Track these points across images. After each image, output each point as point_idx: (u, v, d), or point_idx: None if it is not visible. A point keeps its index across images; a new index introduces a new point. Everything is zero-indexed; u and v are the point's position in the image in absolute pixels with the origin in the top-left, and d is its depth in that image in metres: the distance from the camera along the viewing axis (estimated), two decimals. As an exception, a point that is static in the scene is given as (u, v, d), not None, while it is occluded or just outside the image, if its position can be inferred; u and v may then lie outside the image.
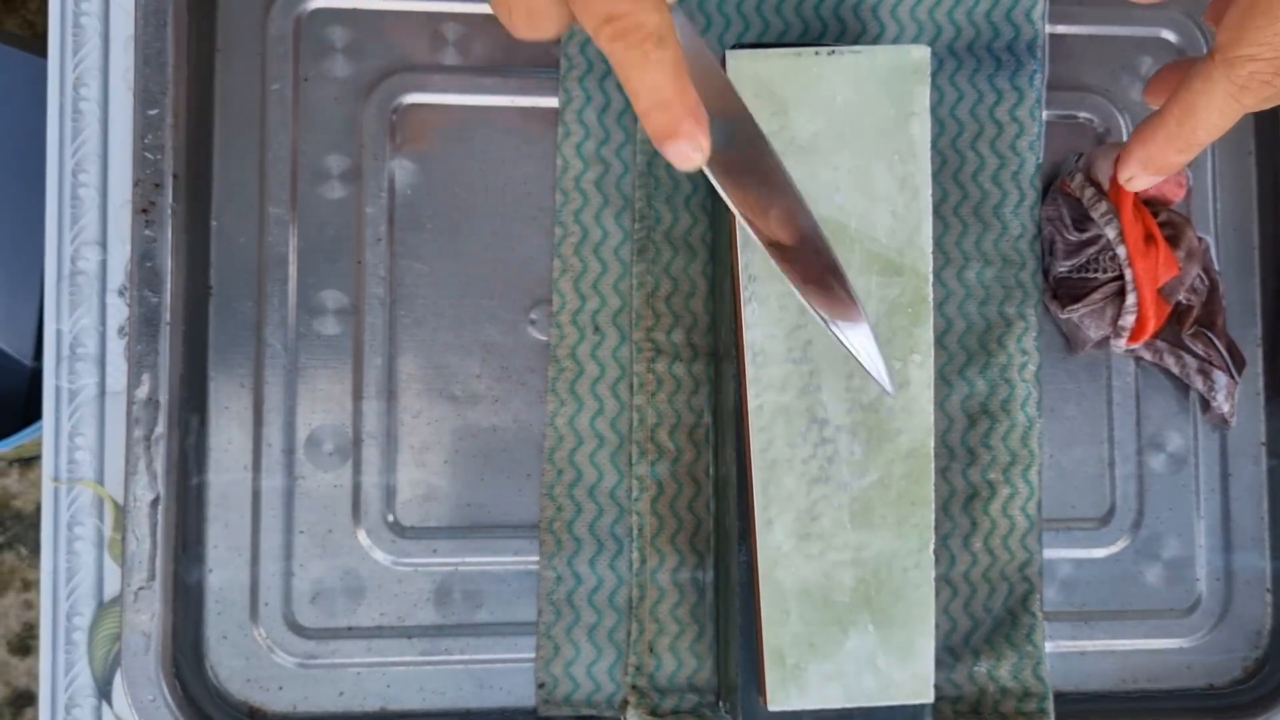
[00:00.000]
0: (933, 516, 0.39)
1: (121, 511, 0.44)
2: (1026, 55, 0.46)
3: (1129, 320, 0.45)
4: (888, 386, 0.36)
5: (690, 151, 0.34)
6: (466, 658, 0.45)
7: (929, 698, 0.39)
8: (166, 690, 0.43)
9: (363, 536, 0.45)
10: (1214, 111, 0.34)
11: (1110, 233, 0.44)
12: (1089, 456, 0.47)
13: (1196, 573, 0.48)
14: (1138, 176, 0.37)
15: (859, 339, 0.36)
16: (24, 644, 1.00)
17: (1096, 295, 0.45)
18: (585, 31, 0.33)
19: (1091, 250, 0.45)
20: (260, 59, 0.45)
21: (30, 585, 1.01)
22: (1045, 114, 0.47)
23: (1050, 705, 0.45)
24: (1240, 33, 0.33)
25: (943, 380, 0.46)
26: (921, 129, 0.39)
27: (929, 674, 0.39)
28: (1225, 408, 0.47)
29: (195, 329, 0.44)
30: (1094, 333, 0.46)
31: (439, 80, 0.46)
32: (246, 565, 0.44)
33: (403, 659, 0.45)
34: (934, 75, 0.46)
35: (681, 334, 0.45)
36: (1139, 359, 0.48)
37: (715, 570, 0.45)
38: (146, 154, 0.43)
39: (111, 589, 0.44)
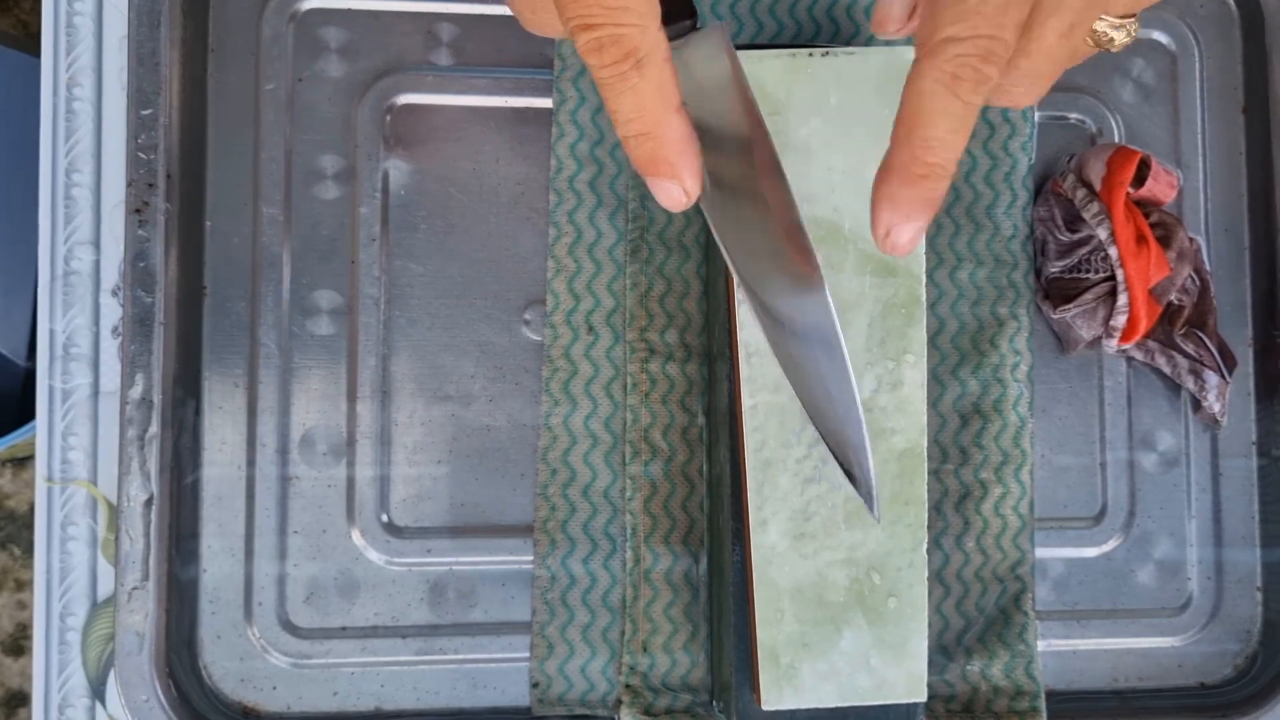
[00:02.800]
0: (926, 516, 0.39)
1: (115, 511, 0.44)
2: (1019, 56, 0.46)
3: (1121, 320, 0.45)
4: (874, 514, 0.36)
5: (674, 192, 0.31)
6: (461, 657, 0.45)
7: (923, 697, 0.39)
8: (160, 690, 0.43)
9: (357, 536, 0.45)
10: (936, 115, 0.29)
11: (1102, 233, 0.44)
12: (1081, 456, 0.48)
13: (1188, 572, 0.48)
14: (894, 227, 0.30)
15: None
16: (17, 644, 1.00)
17: (1088, 295, 0.45)
18: None
19: (1083, 251, 0.45)
20: (254, 59, 0.45)
21: (24, 585, 1.01)
22: (1037, 115, 0.47)
23: (1042, 704, 0.45)
24: (933, 21, 0.29)
25: (936, 380, 0.46)
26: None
27: (923, 673, 0.39)
28: (1216, 407, 0.47)
29: (189, 329, 0.44)
30: (1086, 333, 0.46)
31: (433, 81, 0.46)
32: (240, 565, 0.44)
33: (397, 659, 0.45)
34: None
35: (675, 334, 0.45)
36: (1131, 359, 0.48)
37: (709, 569, 0.45)
38: (140, 154, 0.43)
39: (105, 589, 0.44)
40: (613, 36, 0.28)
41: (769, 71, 0.39)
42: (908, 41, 0.46)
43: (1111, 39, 0.32)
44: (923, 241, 0.39)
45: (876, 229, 0.30)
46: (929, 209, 0.30)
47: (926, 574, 0.39)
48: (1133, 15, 0.33)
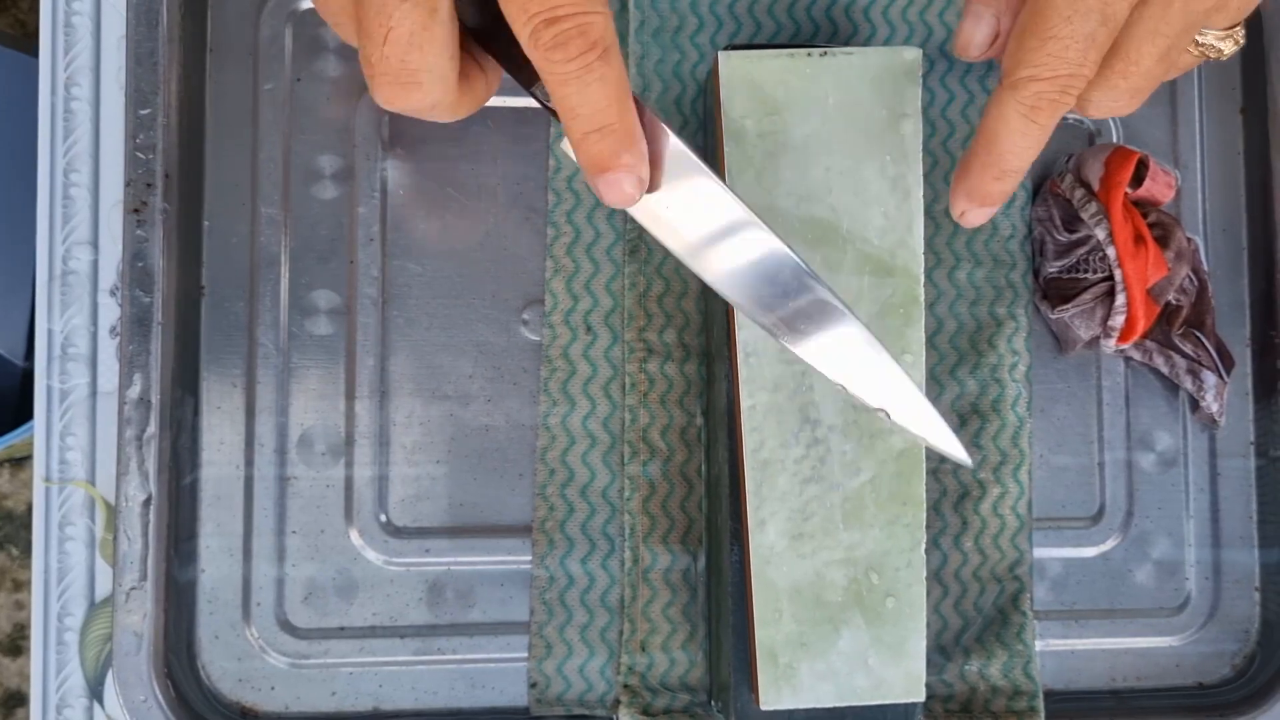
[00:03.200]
0: (924, 516, 0.39)
1: (113, 511, 0.44)
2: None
3: (1119, 320, 0.45)
4: (965, 459, 0.36)
5: (629, 187, 0.31)
6: (459, 657, 0.45)
7: (921, 696, 0.39)
8: (158, 690, 0.42)
9: (355, 536, 0.45)
10: (1015, 135, 0.33)
11: (1100, 233, 0.44)
12: (1079, 456, 0.48)
13: (1186, 571, 0.48)
14: (969, 210, 0.36)
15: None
16: (15, 645, 1.00)
17: (1086, 296, 0.45)
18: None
19: (1081, 251, 0.45)
20: (252, 59, 0.45)
21: (21, 585, 1.01)
22: (1036, 115, 0.47)
23: (1040, 704, 0.45)
24: (1018, 56, 0.32)
25: (934, 380, 0.46)
26: (913, 130, 0.39)
27: (921, 673, 0.39)
28: (1214, 407, 0.47)
29: (187, 329, 0.44)
30: (1084, 333, 0.46)
31: (431, 80, 0.46)
32: (238, 565, 0.44)
33: (395, 659, 0.45)
34: (925, 77, 0.46)
35: (673, 334, 0.45)
36: (1129, 359, 0.48)
37: (707, 569, 0.45)
38: (138, 154, 0.43)
39: (103, 589, 0.44)
40: (580, 27, 0.28)
41: (767, 71, 0.39)
42: (909, 40, 0.46)
43: (1220, 50, 0.36)
44: (921, 241, 0.39)
45: (954, 209, 0.36)
46: (1000, 200, 0.35)
47: (925, 574, 0.39)
48: (1238, 24, 0.35)
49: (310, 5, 0.46)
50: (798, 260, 0.34)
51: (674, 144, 0.32)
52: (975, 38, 0.36)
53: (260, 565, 0.44)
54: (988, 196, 0.35)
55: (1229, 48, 0.35)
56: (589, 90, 0.29)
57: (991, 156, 0.34)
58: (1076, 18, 0.31)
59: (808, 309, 0.34)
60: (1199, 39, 0.35)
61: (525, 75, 0.31)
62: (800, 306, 0.34)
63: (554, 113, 0.31)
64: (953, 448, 0.35)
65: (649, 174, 0.32)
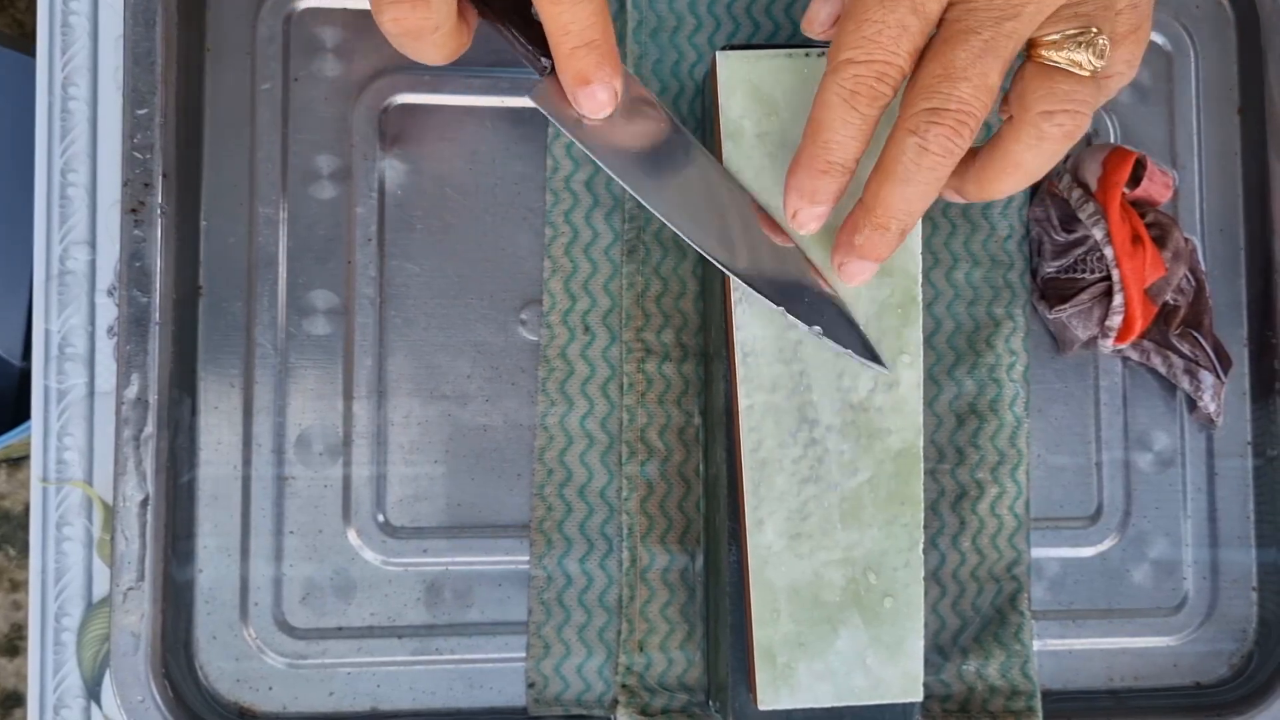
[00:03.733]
0: (922, 516, 0.39)
1: (110, 512, 0.44)
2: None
3: (1116, 321, 0.45)
4: (883, 366, 0.38)
5: (604, 96, 0.35)
6: (457, 657, 0.45)
7: (918, 696, 0.39)
8: (156, 691, 0.42)
9: (353, 536, 0.45)
10: (837, 123, 0.33)
11: (1097, 233, 0.44)
12: (1076, 456, 0.48)
13: (1183, 571, 0.48)
14: (800, 210, 0.36)
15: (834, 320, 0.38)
16: (12, 645, 1.00)
17: (1084, 296, 0.45)
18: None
19: (1079, 251, 0.45)
20: (250, 59, 0.45)
21: (19, 586, 1.01)
22: (1033, 115, 0.47)
23: (1038, 703, 0.45)
24: (839, 40, 0.33)
25: (932, 380, 0.46)
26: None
27: (919, 673, 0.39)
28: (1212, 407, 0.47)
29: (185, 329, 0.44)
30: (1082, 333, 0.46)
31: (429, 80, 0.46)
32: (236, 565, 0.44)
33: (393, 659, 0.45)
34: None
35: (671, 334, 0.45)
36: (1126, 359, 0.48)
37: (705, 569, 0.45)
38: (136, 154, 0.43)
39: (100, 589, 0.44)
40: None
41: (765, 71, 0.39)
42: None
43: (1078, 62, 0.33)
44: (919, 241, 0.39)
45: (786, 209, 0.36)
46: (830, 199, 0.35)
47: (923, 574, 0.39)
48: (1089, 28, 0.33)
49: (307, 6, 0.46)
50: (737, 187, 0.38)
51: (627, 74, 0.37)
52: (819, 15, 0.37)
53: (258, 565, 0.44)
54: (815, 192, 0.35)
55: (1088, 59, 0.33)
56: (580, 9, 0.33)
57: (816, 146, 0.34)
58: (889, 3, 0.32)
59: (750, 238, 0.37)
60: (1042, 53, 0.34)
61: (521, 29, 0.36)
62: (738, 232, 0.37)
63: (527, 50, 0.36)
64: (867, 355, 0.38)
65: (621, 91, 0.36)
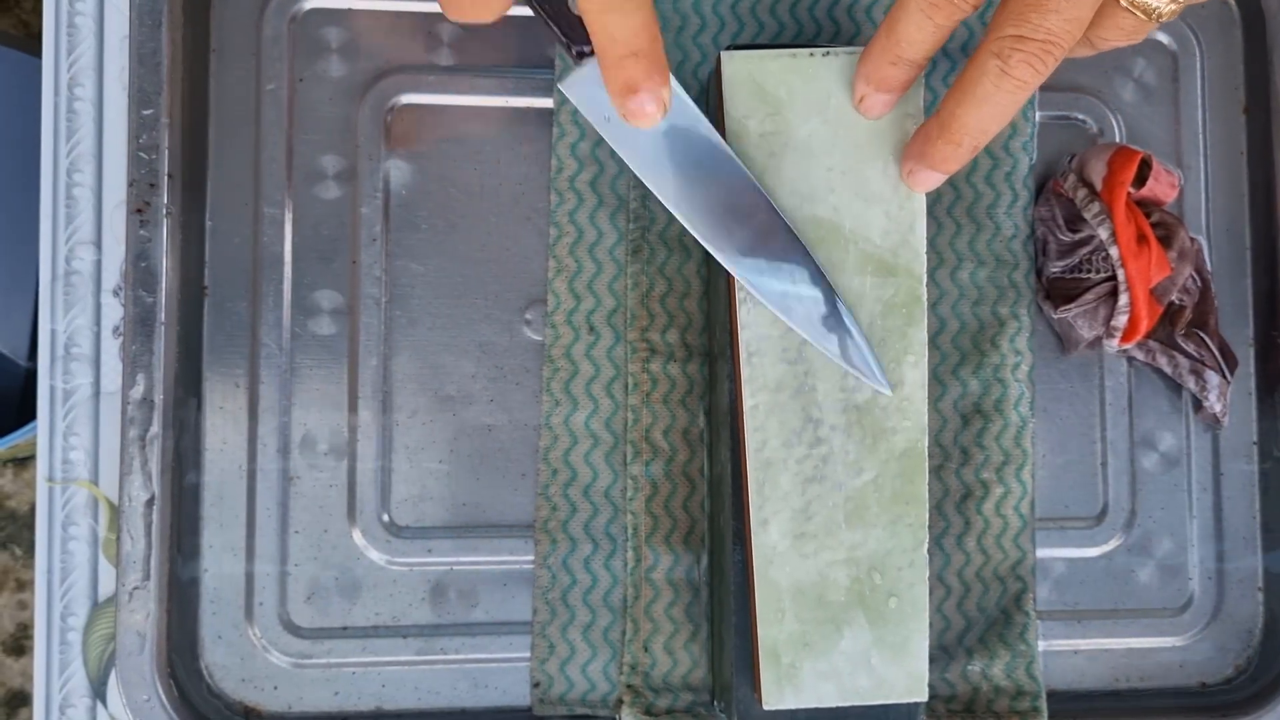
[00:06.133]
0: (927, 515, 0.39)
1: (116, 511, 0.44)
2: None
3: (1122, 320, 0.45)
4: (883, 388, 0.38)
5: (652, 107, 0.34)
6: (462, 657, 0.45)
7: (923, 696, 0.39)
8: (161, 690, 0.43)
9: (358, 536, 0.45)
10: (913, 28, 0.34)
11: (1103, 233, 0.44)
12: (1082, 456, 0.48)
13: (1189, 572, 0.48)
14: (868, 95, 0.37)
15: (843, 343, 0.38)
16: (18, 644, 1.00)
17: (1089, 295, 0.45)
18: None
19: (1084, 250, 0.45)
20: (255, 59, 0.45)
21: (25, 585, 1.01)
22: (1038, 115, 0.47)
23: (1043, 704, 0.45)
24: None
25: (936, 380, 0.46)
26: (916, 130, 0.39)
27: (923, 673, 0.39)
28: (1217, 407, 0.47)
29: (190, 329, 0.44)
30: (1087, 333, 0.46)
31: (434, 81, 0.46)
32: (241, 565, 0.44)
33: (398, 659, 0.45)
34: (927, 77, 0.46)
35: (676, 334, 0.45)
36: (1132, 359, 0.48)
37: (710, 569, 0.45)
38: (141, 154, 0.43)
39: (106, 589, 0.44)
40: None
41: (769, 72, 0.39)
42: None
43: (1157, 8, 0.34)
44: (924, 241, 0.39)
45: (854, 94, 0.37)
46: (898, 88, 0.36)
47: (927, 574, 0.39)
48: None
49: (312, 6, 0.46)
50: (766, 198, 0.37)
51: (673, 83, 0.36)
52: None
53: (263, 565, 0.44)
54: (884, 80, 0.36)
55: (1166, 6, 0.34)
56: (629, 18, 0.32)
57: (890, 40, 0.35)
58: None
59: (768, 245, 0.37)
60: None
61: (559, 18, 0.35)
62: (760, 242, 0.37)
63: (561, 35, 0.35)
64: (877, 381, 0.38)
65: (669, 97, 0.35)
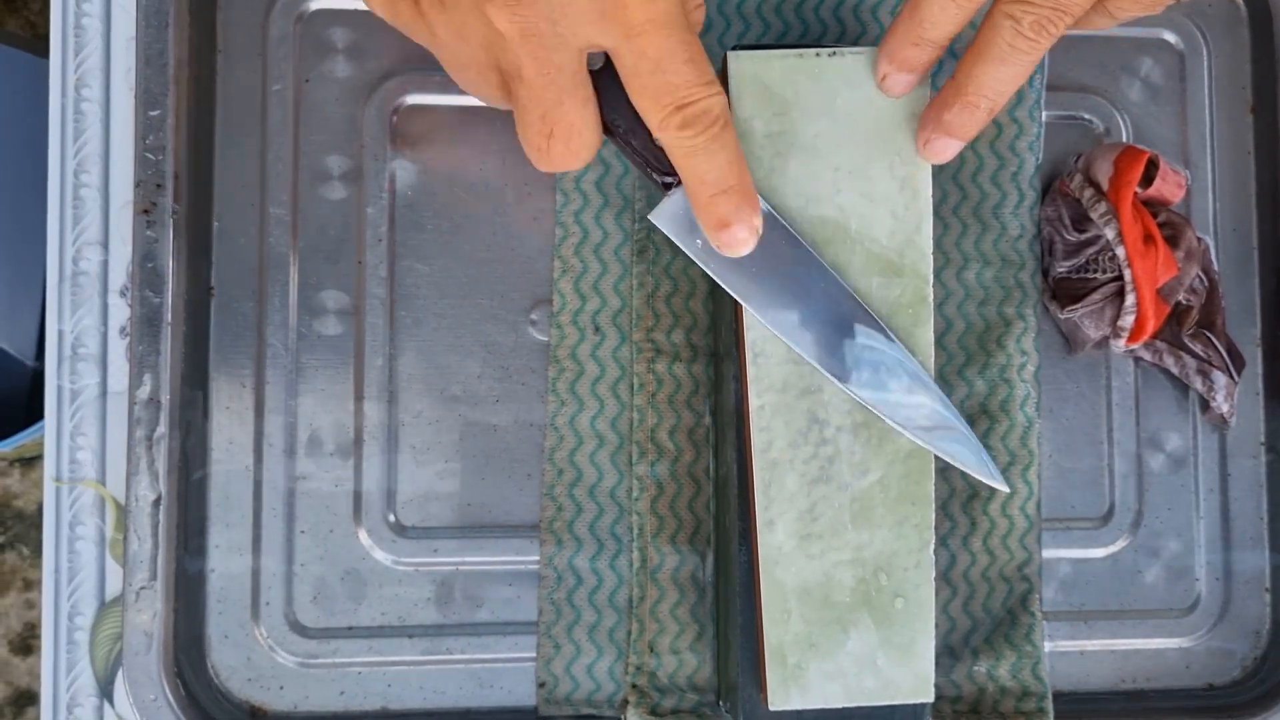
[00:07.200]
0: (933, 516, 0.39)
1: (123, 511, 0.44)
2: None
3: (1128, 320, 0.45)
4: (1000, 485, 0.39)
5: (745, 235, 0.35)
6: (467, 657, 0.45)
7: (929, 697, 0.39)
8: (168, 689, 0.43)
9: (364, 536, 0.45)
10: (936, 9, 0.34)
11: (1109, 233, 0.44)
12: (1088, 456, 0.48)
13: (1196, 572, 0.48)
14: (890, 74, 0.37)
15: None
16: (25, 643, 1.01)
17: (1096, 296, 0.45)
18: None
19: (1091, 251, 0.45)
20: (261, 60, 0.46)
21: (32, 585, 1.01)
22: (1045, 114, 0.47)
23: (1049, 705, 0.45)
24: None
25: (942, 380, 0.46)
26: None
27: (929, 673, 0.39)
28: (1224, 408, 0.47)
29: (197, 329, 0.44)
30: (1093, 333, 0.46)
31: (439, 81, 0.46)
32: (247, 564, 0.44)
33: (403, 658, 0.45)
34: (934, 76, 0.46)
35: (681, 334, 0.45)
36: (1138, 359, 0.48)
37: (716, 570, 0.45)
38: (148, 155, 0.43)
39: (113, 589, 0.44)
40: (705, 107, 0.33)
41: (776, 71, 0.38)
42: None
43: None
44: (930, 241, 0.39)
45: (876, 73, 0.37)
46: (920, 69, 0.36)
47: (933, 574, 0.39)
48: None
49: (319, 6, 0.46)
50: (868, 313, 0.38)
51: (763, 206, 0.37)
52: None
53: (269, 564, 0.45)
54: (906, 60, 0.36)
55: None
56: (715, 158, 0.33)
57: (913, 21, 0.35)
58: None
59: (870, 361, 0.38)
60: None
61: (642, 151, 0.36)
62: (861, 357, 0.38)
63: (666, 187, 0.36)
64: (991, 477, 0.38)
65: (760, 224, 0.36)
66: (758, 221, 0.35)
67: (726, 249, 0.36)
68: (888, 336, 0.38)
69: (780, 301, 0.37)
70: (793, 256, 0.37)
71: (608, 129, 0.35)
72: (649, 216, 0.37)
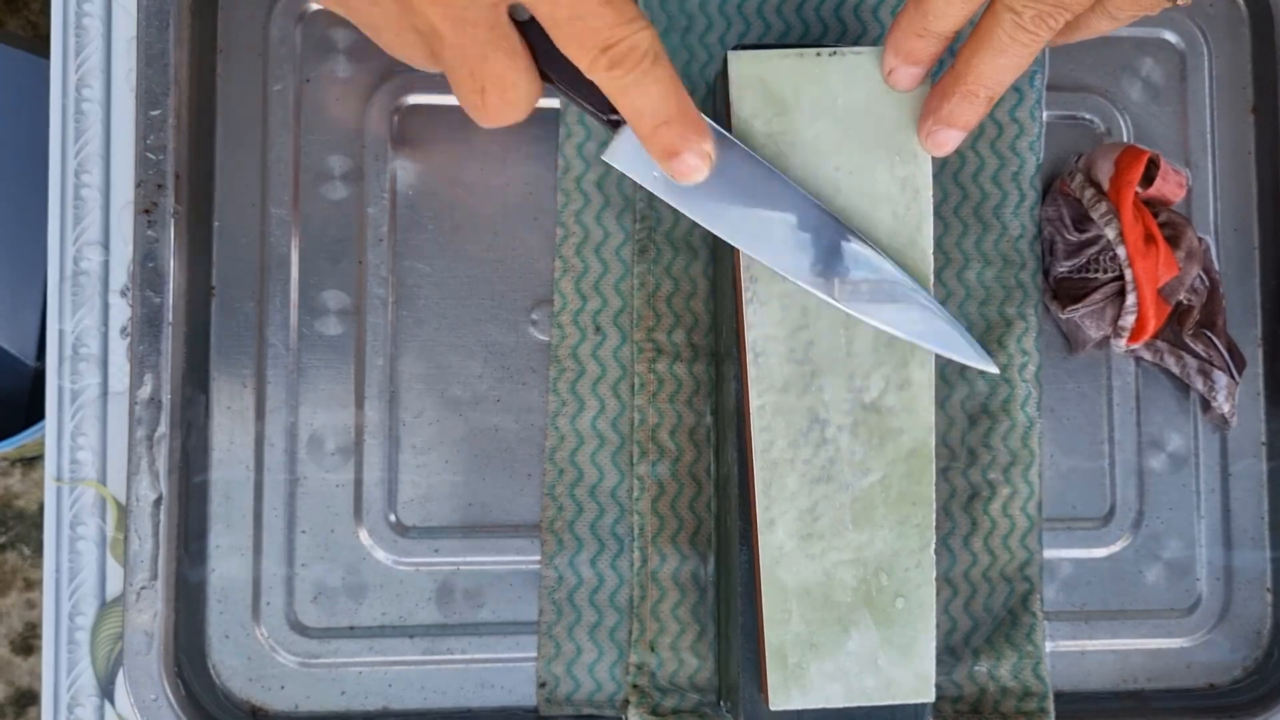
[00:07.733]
0: (934, 516, 0.39)
1: (124, 511, 0.44)
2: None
3: (1129, 320, 0.45)
4: (989, 366, 0.38)
5: (695, 160, 0.35)
6: (468, 657, 0.45)
7: (930, 697, 0.39)
8: (169, 689, 0.43)
9: (364, 536, 0.45)
10: (941, 2, 0.34)
11: (1110, 233, 0.44)
12: (1089, 457, 0.48)
13: (1197, 572, 0.48)
14: (897, 68, 0.37)
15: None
16: (26, 643, 1.01)
17: (1097, 295, 0.45)
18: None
19: (1092, 250, 0.45)
20: (262, 60, 0.46)
21: (33, 585, 1.01)
22: (1045, 114, 0.47)
23: (1050, 705, 0.45)
24: None
25: (943, 380, 0.46)
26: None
27: (930, 673, 0.39)
28: (1225, 408, 0.47)
29: (197, 329, 0.44)
30: (1094, 333, 0.46)
31: (440, 81, 0.46)
32: (248, 565, 0.44)
33: (404, 658, 0.45)
34: (935, 76, 0.46)
35: (682, 334, 0.45)
36: (1139, 359, 0.48)
37: (716, 569, 0.45)
38: (149, 155, 0.43)
39: (114, 589, 0.44)
40: (630, 44, 0.32)
41: (777, 72, 0.38)
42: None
43: None
44: (930, 241, 0.39)
45: (883, 67, 0.37)
46: (927, 61, 0.36)
47: (934, 574, 0.39)
48: None
49: (319, 7, 0.46)
50: (828, 215, 0.37)
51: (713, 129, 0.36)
52: None
53: (270, 565, 0.45)
54: (912, 52, 0.36)
55: None
56: (649, 91, 0.33)
57: (918, 12, 0.35)
58: None
59: (849, 269, 0.37)
60: None
61: (584, 95, 0.36)
62: (837, 264, 0.37)
63: (594, 110, 0.36)
64: (974, 358, 0.38)
65: (713, 149, 0.35)
66: (707, 146, 0.35)
67: (681, 177, 0.35)
68: (862, 240, 0.37)
69: (750, 222, 0.37)
70: (753, 175, 0.37)
71: (547, 78, 0.35)
72: (603, 156, 0.37)
